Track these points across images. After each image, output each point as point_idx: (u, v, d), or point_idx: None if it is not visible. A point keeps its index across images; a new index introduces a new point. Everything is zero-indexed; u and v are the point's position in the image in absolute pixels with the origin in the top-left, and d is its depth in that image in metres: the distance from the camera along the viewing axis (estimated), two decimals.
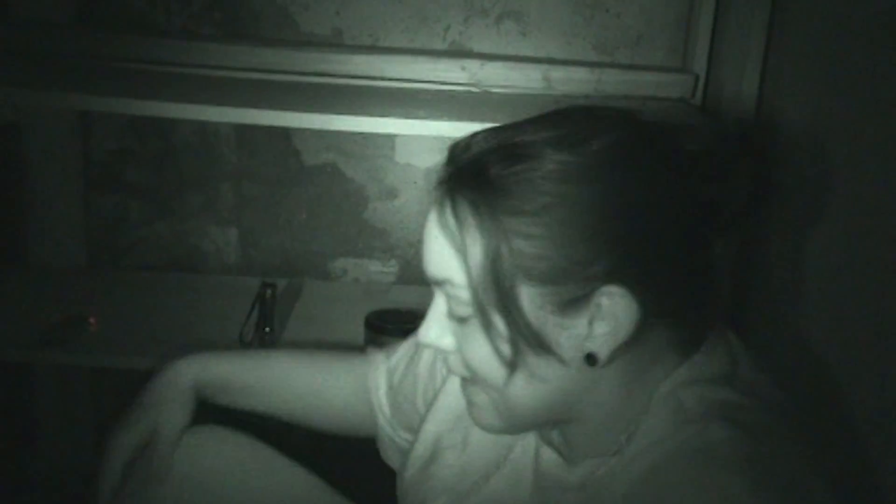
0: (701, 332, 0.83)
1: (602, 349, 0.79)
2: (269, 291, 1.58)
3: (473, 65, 1.64)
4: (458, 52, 1.75)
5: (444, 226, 0.81)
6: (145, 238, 1.91)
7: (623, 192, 0.77)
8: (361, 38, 1.76)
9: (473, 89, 1.64)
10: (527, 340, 0.79)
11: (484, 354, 0.82)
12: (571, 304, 0.78)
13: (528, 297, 0.78)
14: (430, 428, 1.04)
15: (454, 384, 1.03)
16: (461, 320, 0.83)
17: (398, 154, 1.84)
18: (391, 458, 1.18)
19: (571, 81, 1.65)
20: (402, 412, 1.15)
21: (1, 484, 1.89)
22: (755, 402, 0.79)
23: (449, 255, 0.81)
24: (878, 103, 1.11)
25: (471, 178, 0.80)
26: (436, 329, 0.86)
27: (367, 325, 1.58)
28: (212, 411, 1.22)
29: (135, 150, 1.86)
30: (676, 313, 0.81)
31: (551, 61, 1.71)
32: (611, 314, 0.78)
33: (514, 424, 0.87)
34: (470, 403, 0.89)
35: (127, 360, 1.58)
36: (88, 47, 1.63)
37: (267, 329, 1.58)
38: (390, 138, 1.83)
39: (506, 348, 0.80)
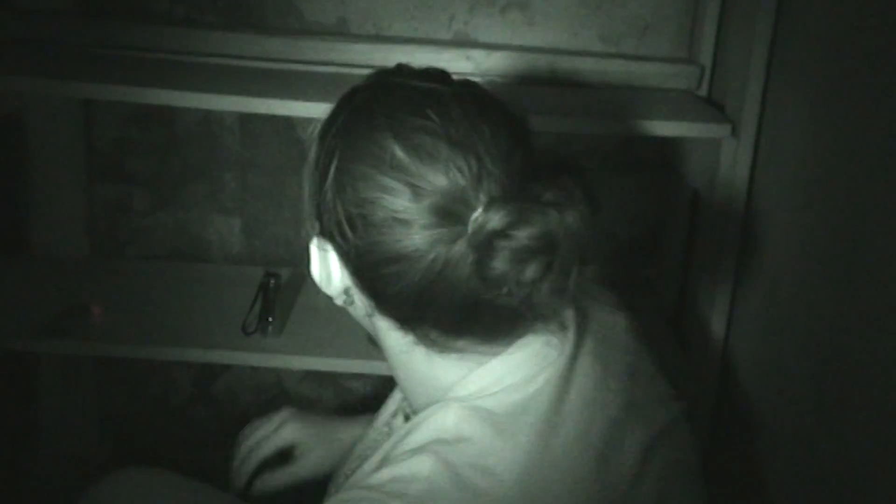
0: (453, 343, 0.82)
1: (332, 289, 0.85)
2: (272, 281, 1.58)
3: (478, 55, 1.63)
4: (462, 42, 1.74)
5: None
6: (148, 227, 1.91)
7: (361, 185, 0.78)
8: (366, 27, 1.75)
9: (478, 79, 1.63)
10: (308, 231, 0.87)
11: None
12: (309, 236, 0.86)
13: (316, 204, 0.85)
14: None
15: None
16: None
17: None
18: None
19: (577, 72, 1.64)
20: None
21: (4, 474, 1.89)
22: (490, 445, 0.78)
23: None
24: (885, 96, 1.10)
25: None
26: None
27: None
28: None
29: (138, 139, 1.85)
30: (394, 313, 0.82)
31: (557, 52, 1.70)
32: (326, 262, 0.84)
33: None
34: None
35: (130, 349, 1.58)
36: (91, 36, 1.62)
37: (270, 319, 1.58)
38: None
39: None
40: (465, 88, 0.83)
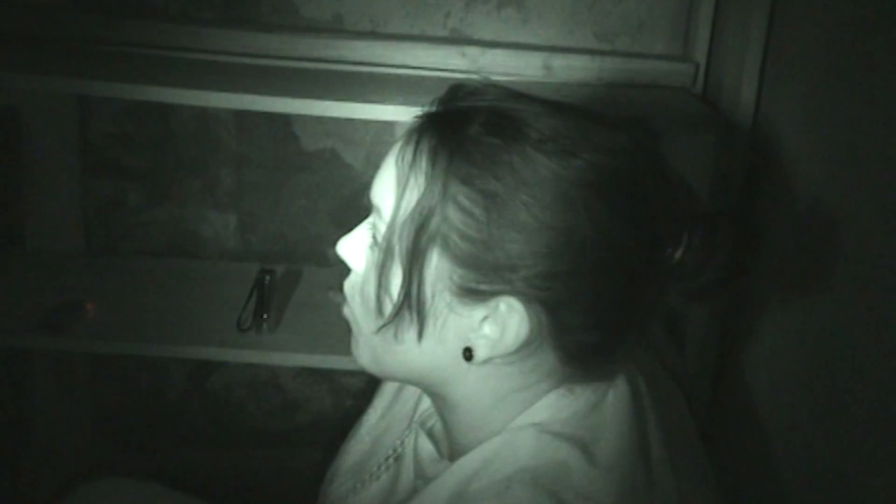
0: (590, 374, 0.81)
1: (482, 350, 0.77)
2: (267, 277, 1.58)
3: (474, 52, 1.63)
4: (458, 39, 1.74)
5: (400, 158, 0.79)
6: (143, 223, 1.91)
7: (575, 223, 0.73)
8: (362, 24, 1.75)
9: (474, 76, 1.62)
10: (411, 304, 0.77)
11: (369, 294, 0.81)
12: (473, 294, 0.76)
13: (437, 266, 0.76)
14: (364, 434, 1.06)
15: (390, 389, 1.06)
16: (372, 251, 0.82)
17: None
18: None
19: (572, 69, 1.64)
20: None
21: None
22: (586, 470, 0.76)
23: (390, 187, 0.79)
24: (880, 94, 1.10)
25: (447, 125, 0.77)
26: (354, 245, 0.86)
27: None
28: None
29: (133, 134, 1.85)
30: (573, 351, 0.78)
31: (552, 49, 1.70)
32: (503, 323, 0.76)
33: (381, 371, 0.86)
34: (351, 329, 0.88)
35: (124, 345, 1.58)
36: (87, 31, 1.62)
37: (265, 315, 1.58)
38: (390, 125, 1.82)
39: (388, 301, 0.79)
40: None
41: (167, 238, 1.92)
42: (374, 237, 0.82)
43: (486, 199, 0.73)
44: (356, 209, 1.88)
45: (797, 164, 1.33)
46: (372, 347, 0.84)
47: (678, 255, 0.78)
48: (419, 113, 0.81)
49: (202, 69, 1.55)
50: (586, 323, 0.76)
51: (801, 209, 1.30)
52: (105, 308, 1.62)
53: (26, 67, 1.44)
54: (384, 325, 0.80)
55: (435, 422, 0.94)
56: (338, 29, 1.75)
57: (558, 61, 1.64)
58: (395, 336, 0.80)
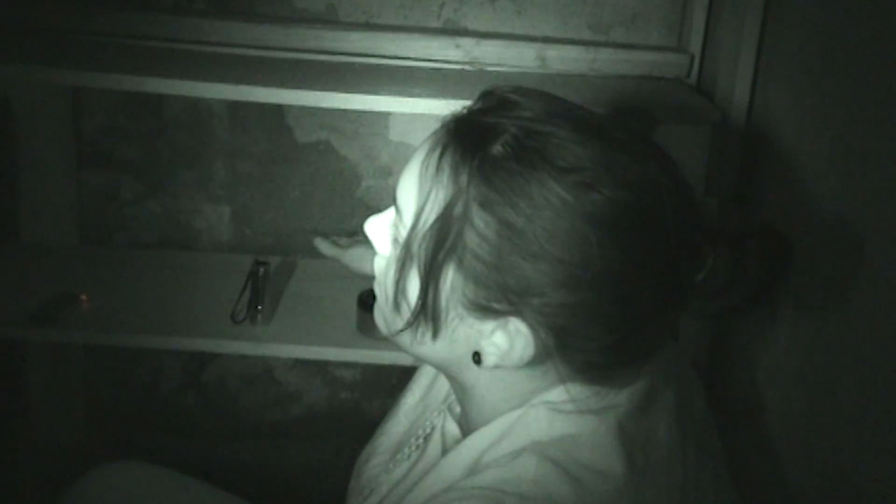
0: (605, 382, 0.83)
1: (491, 358, 0.79)
2: (261, 269, 1.58)
3: (468, 43, 1.63)
4: (452, 30, 1.73)
5: (425, 164, 0.79)
6: (137, 215, 1.91)
7: (587, 258, 0.74)
8: (356, 15, 1.74)
9: (468, 67, 1.63)
10: (427, 312, 0.79)
11: (390, 289, 0.83)
12: (484, 310, 0.77)
13: (451, 280, 0.78)
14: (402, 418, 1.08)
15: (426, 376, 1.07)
16: (394, 246, 0.84)
17: (392, 132, 1.84)
18: None
19: (566, 60, 1.64)
20: None
21: None
22: (593, 445, 0.78)
23: (412, 192, 0.80)
24: (874, 84, 1.10)
25: (475, 138, 0.77)
26: (381, 228, 0.87)
27: (360, 304, 1.57)
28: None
29: (127, 126, 1.85)
30: (582, 367, 0.80)
31: (546, 40, 1.70)
32: (511, 339, 0.78)
33: (396, 344, 0.89)
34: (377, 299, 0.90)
35: (119, 337, 1.58)
36: (79, 22, 1.61)
37: (259, 307, 1.58)
38: (384, 116, 1.82)
39: (405, 304, 0.81)
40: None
41: (161, 230, 1.92)
42: (395, 232, 0.84)
43: (501, 225, 0.74)
44: (350, 201, 1.88)
45: (792, 155, 1.33)
46: (387, 323, 0.87)
47: (700, 277, 0.79)
48: (449, 116, 0.81)
49: (195, 60, 1.55)
50: (593, 347, 0.78)
51: (795, 199, 1.31)
52: (99, 300, 1.62)
53: (19, 59, 1.44)
54: (401, 330, 0.83)
55: None
56: (331, 20, 1.74)
57: (552, 52, 1.64)
58: (410, 334, 0.83)
